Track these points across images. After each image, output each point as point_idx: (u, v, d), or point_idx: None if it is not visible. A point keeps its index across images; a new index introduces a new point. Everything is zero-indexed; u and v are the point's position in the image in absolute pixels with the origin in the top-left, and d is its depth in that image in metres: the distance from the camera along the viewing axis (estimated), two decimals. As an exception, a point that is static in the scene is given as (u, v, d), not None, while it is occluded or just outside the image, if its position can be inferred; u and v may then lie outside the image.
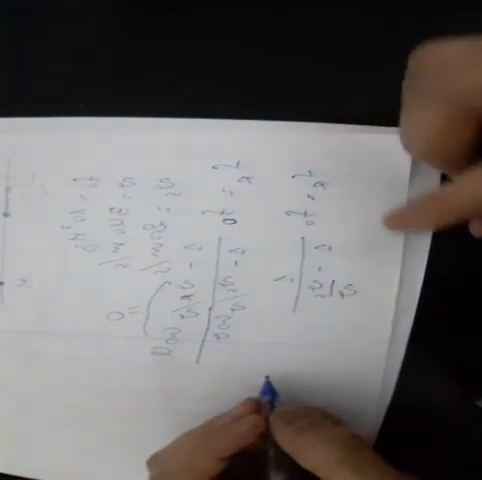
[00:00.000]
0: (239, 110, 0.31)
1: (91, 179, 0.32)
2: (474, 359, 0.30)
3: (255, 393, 0.29)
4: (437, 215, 0.25)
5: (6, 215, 0.32)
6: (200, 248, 0.30)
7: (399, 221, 0.28)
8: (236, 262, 0.30)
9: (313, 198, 0.30)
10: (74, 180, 0.32)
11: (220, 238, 0.30)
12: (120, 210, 0.31)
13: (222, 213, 0.31)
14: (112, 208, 0.31)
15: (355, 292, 0.30)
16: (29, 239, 0.32)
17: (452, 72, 0.21)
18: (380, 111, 0.29)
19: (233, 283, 0.30)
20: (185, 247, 0.31)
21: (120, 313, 0.31)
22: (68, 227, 0.31)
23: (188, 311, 0.31)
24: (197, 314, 0.31)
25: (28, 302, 0.32)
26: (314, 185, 0.30)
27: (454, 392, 0.30)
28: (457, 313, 0.30)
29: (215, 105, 0.32)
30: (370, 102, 0.31)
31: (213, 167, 0.31)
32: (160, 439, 0.31)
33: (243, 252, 0.30)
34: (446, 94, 0.21)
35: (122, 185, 0.31)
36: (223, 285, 0.30)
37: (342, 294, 0.30)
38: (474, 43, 0.21)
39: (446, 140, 0.23)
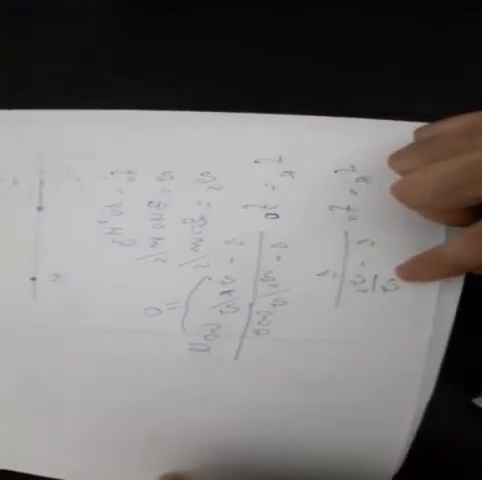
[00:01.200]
0: (239, 110, 0.31)
1: (129, 173, 0.31)
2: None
3: (295, 389, 0.29)
4: (439, 272, 0.27)
5: (40, 209, 0.31)
6: (241, 243, 0.30)
7: (408, 273, 0.29)
8: (278, 257, 0.30)
9: (356, 193, 0.30)
10: (111, 173, 0.31)
11: (262, 233, 0.30)
12: (159, 204, 0.31)
13: (264, 207, 0.30)
14: (150, 202, 0.31)
15: (397, 287, 0.29)
16: (63, 233, 0.31)
17: None
18: (380, 110, 0.30)
19: (274, 278, 0.30)
20: (226, 242, 0.30)
21: (157, 309, 0.30)
22: (104, 221, 0.31)
23: (228, 306, 0.30)
24: (237, 309, 0.30)
25: (62, 297, 0.31)
26: (356, 180, 0.30)
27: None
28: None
29: (215, 105, 0.31)
30: (370, 102, 0.31)
31: (255, 161, 0.30)
32: (194, 438, 0.30)
33: (286, 247, 0.30)
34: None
35: (161, 179, 0.31)
36: (264, 280, 0.30)
37: (385, 289, 0.29)
38: None
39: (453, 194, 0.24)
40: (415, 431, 0.30)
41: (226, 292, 0.30)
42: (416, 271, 0.29)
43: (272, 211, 0.30)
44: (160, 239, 0.30)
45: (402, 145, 0.30)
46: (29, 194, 0.31)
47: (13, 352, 0.31)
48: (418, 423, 0.30)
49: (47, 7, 0.35)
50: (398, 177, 0.29)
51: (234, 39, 0.33)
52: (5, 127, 0.32)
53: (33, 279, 0.31)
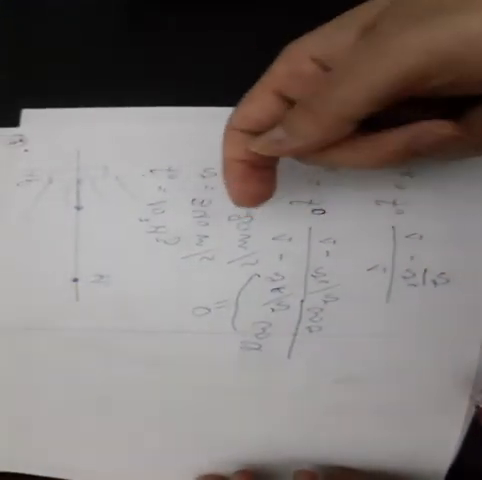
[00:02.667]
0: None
1: (169, 170, 0.30)
2: None
3: (347, 386, 0.29)
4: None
5: (78, 208, 0.30)
6: (290, 239, 0.30)
7: None
8: (327, 252, 0.30)
9: (401, 187, 0.30)
10: (151, 171, 0.30)
11: (310, 228, 0.30)
12: (202, 201, 0.30)
13: (310, 203, 0.30)
14: (194, 199, 0.30)
15: (448, 280, 0.29)
16: (104, 233, 0.30)
17: None
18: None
19: (325, 274, 0.29)
20: (274, 238, 0.30)
21: (206, 308, 0.29)
22: (147, 220, 0.30)
23: (279, 304, 0.29)
24: (288, 307, 0.29)
25: (105, 299, 0.30)
26: (401, 174, 0.30)
27: None
28: None
29: (216, 105, 0.31)
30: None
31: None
32: (247, 439, 0.29)
33: (334, 242, 0.30)
34: None
35: (203, 176, 0.30)
36: (315, 276, 0.29)
37: (435, 283, 0.29)
38: None
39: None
40: (466, 428, 0.30)
41: (276, 289, 0.29)
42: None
43: (318, 207, 0.30)
44: (206, 237, 0.30)
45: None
46: (66, 193, 0.30)
47: (59, 355, 0.30)
48: (470, 420, 0.30)
49: (46, 7, 0.35)
50: (442, 172, 0.29)
51: (235, 39, 0.33)
52: (38, 126, 0.31)
53: (75, 280, 0.30)
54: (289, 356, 0.29)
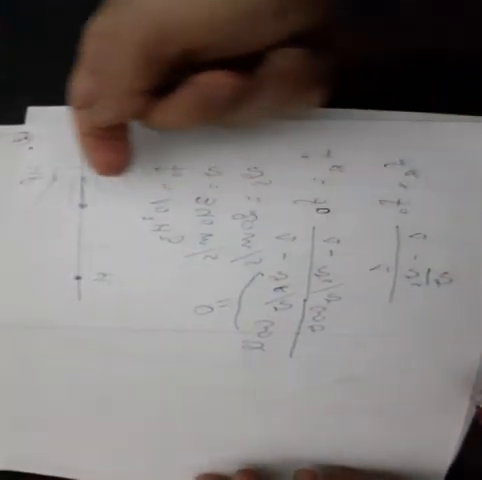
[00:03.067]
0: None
1: (174, 168, 0.30)
2: None
3: (349, 386, 0.29)
4: None
5: (82, 206, 0.30)
6: (294, 238, 0.30)
7: None
8: (331, 252, 0.29)
9: (405, 187, 0.30)
10: (155, 169, 0.30)
11: (314, 227, 0.30)
12: (207, 200, 0.30)
13: (315, 202, 0.30)
14: (198, 198, 0.30)
15: (451, 280, 0.29)
16: (108, 231, 0.30)
17: None
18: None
19: (328, 273, 0.29)
20: (278, 237, 0.30)
21: (209, 307, 0.29)
22: (150, 218, 0.30)
23: (282, 303, 0.29)
24: (291, 306, 0.29)
25: (108, 297, 0.30)
26: (406, 174, 0.30)
27: None
28: None
29: None
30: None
31: (303, 156, 0.30)
32: (248, 438, 0.30)
33: (338, 241, 0.30)
34: None
35: (208, 174, 0.30)
36: (318, 276, 0.29)
37: (438, 282, 0.29)
38: None
39: None
40: (466, 429, 0.30)
41: (279, 288, 0.29)
42: None
43: (322, 206, 0.30)
44: (209, 235, 0.30)
45: (451, 138, 0.30)
46: (70, 191, 0.30)
47: (60, 354, 0.30)
48: (470, 420, 0.30)
49: (47, 7, 0.34)
50: (447, 172, 0.29)
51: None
52: (44, 124, 0.31)
53: (77, 278, 0.29)
54: (291, 355, 0.29)
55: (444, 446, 0.30)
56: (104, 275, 0.29)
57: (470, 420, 0.30)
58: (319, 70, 0.23)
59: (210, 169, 0.30)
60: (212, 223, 0.30)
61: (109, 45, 0.21)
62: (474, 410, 0.30)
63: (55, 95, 0.30)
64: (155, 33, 0.20)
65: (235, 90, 0.22)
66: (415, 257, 0.29)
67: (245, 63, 0.22)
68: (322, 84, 0.24)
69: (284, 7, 0.20)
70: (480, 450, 0.30)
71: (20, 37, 0.33)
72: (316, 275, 0.29)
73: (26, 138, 0.31)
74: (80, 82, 0.24)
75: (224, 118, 0.24)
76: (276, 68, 0.22)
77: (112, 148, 0.26)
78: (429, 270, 0.29)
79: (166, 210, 0.30)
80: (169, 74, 0.22)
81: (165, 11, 0.20)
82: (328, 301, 0.29)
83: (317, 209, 0.30)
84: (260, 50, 0.22)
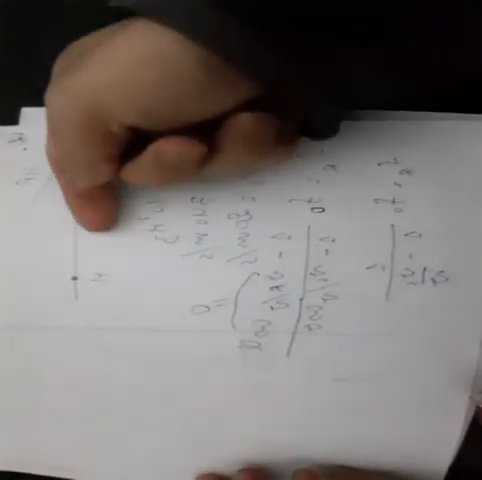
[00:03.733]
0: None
1: None
2: None
3: (347, 385, 0.29)
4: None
5: None
6: (289, 237, 0.30)
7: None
8: (326, 250, 0.29)
9: (400, 185, 0.30)
10: None
11: (309, 226, 0.30)
12: (202, 199, 0.30)
13: (309, 201, 0.30)
14: (193, 198, 0.30)
15: (447, 279, 0.29)
16: (104, 231, 0.30)
17: None
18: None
19: (324, 272, 0.29)
20: (273, 236, 0.30)
21: (205, 306, 0.29)
22: (146, 218, 0.30)
23: (278, 302, 0.29)
24: (287, 305, 0.29)
25: (104, 297, 0.30)
26: (400, 172, 0.30)
27: None
28: None
29: None
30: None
31: (297, 155, 0.30)
32: (246, 438, 0.29)
33: (333, 240, 0.30)
34: None
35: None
36: (314, 274, 0.29)
37: (434, 281, 0.29)
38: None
39: None
40: (467, 427, 0.30)
41: (275, 287, 0.29)
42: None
43: (317, 205, 0.30)
44: (204, 235, 0.30)
45: (444, 136, 0.30)
46: None
47: (58, 354, 0.30)
48: (470, 419, 0.30)
49: (47, 7, 0.35)
50: (442, 170, 0.29)
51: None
52: (38, 124, 0.31)
53: (74, 279, 0.29)
54: (288, 354, 0.29)
55: (444, 446, 0.30)
56: (100, 275, 0.29)
57: (469, 420, 0.30)
58: (283, 128, 0.24)
59: None
60: (207, 223, 0.30)
61: (59, 120, 0.22)
62: (473, 409, 0.30)
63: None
64: (92, 112, 0.21)
65: (189, 155, 0.22)
66: (410, 256, 0.29)
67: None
68: (289, 141, 0.25)
69: (213, 84, 0.21)
70: (480, 450, 0.30)
71: (15, 38, 0.33)
72: (312, 274, 0.29)
73: (21, 139, 0.31)
74: (49, 150, 0.25)
75: (192, 177, 0.24)
76: (232, 131, 0.23)
77: (98, 207, 0.28)
78: (425, 269, 0.29)
79: (161, 210, 0.30)
80: (132, 139, 0.23)
81: (98, 93, 0.21)
82: (324, 300, 0.29)
83: (312, 208, 0.30)
84: (218, 116, 0.22)
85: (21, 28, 0.34)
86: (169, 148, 0.22)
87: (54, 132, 0.24)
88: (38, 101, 0.31)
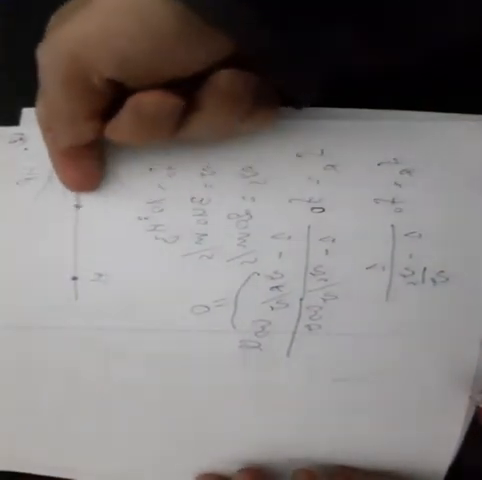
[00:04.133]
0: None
1: (169, 168, 0.30)
2: None
3: (347, 385, 0.29)
4: None
5: (78, 207, 0.30)
6: (289, 237, 0.30)
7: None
8: (326, 250, 0.29)
9: (400, 185, 0.30)
10: (150, 170, 0.30)
11: (309, 226, 0.30)
12: (202, 200, 0.30)
13: (309, 201, 0.30)
14: (193, 198, 0.30)
15: (447, 279, 0.29)
16: (104, 231, 0.30)
17: None
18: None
19: (324, 272, 0.29)
20: (273, 236, 0.30)
21: (205, 306, 0.29)
22: (146, 218, 0.30)
23: (278, 302, 0.29)
24: (287, 305, 0.29)
25: (104, 297, 0.30)
26: (400, 173, 0.30)
27: None
28: None
29: None
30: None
31: (297, 155, 0.30)
32: (246, 438, 0.30)
33: (333, 240, 0.30)
34: None
35: (202, 174, 0.30)
36: (314, 274, 0.29)
37: (434, 281, 0.29)
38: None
39: None
40: (467, 427, 0.30)
41: (276, 287, 0.29)
42: None
43: (317, 205, 0.30)
44: (205, 235, 0.30)
45: (445, 137, 0.30)
46: (66, 192, 0.30)
47: (58, 354, 0.30)
48: (470, 419, 0.30)
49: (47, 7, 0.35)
50: (442, 170, 0.29)
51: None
52: (37, 125, 0.31)
53: (74, 279, 0.29)
54: (288, 354, 0.29)
55: (444, 446, 0.30)
56: (100, 275, 0.29)
57: (469, 420, 0.30)
58: (262, 91, 0.24)
59: (204, 169, 0.30)
60: (207, 223, 0.30)
61: (46, 73, 0.23)
62: (473, 409, 0.30)
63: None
64: (74, 62, 0.22)
65: (167, 107, 0.23)
66: (411, 256, 0.29)
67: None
68: (268, 105, 0.25)
69: (189, 36, 0.21)
70: (480, 450, 0.30)
71: (16, 38, 0.33)
72: (312, 274, 0.29)
73: (21, 139, 0.31)
74: (38, 107, 0.25)
75: (173, 135, 0.25)
76: (210, 88, 0.23)
77: (81, 167, 0.28)
78: (425, 269, 0.29)
79: (161, 210, 0.30)
80: (114, 95, 0.23)
81: (79, 43, 0.21)
82: (324, 300, 0.29)
83: (312, 208, 0.30)
84: (199, 72, 0.23)
85: (21, 28, 0.34)
86: (146, 100, 0.23)
87: (43, 89, 0.24)
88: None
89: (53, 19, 0.24)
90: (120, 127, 0.24)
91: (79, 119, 0.24)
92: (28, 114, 0.31)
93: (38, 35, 0.33)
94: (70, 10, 0.22)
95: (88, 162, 0.28)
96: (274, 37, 0.21)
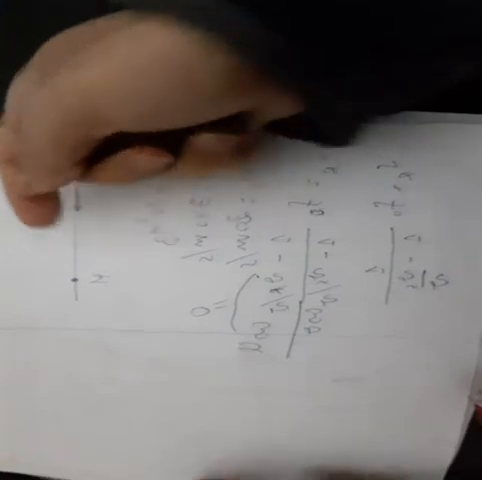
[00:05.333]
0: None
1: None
2: None
3: (346, 386, 0.29)
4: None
5: (77, 208, 0.30)
6: (289, 239, 0.30)
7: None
8: (326, 253, 0.30)
9: (399, 189, 0.30)
10: None
11: (309, 229, 0.30)
12: (201, 201, 0.30)
13: (309, 204, 0.30)
14: (193, 199, 0.30)
15: (447, 282, 0.29)
16: (103, 233, 0.30)
17: None
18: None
19: (324, 275, 0.29)
20: (273, 239, 0.30)
21: (205, 308, 0.29)
22: (145, 220, 0.30)
23: (278, 305, 0.29)
24: (287, 307, 0.29)
25: (104, 299, 0.30)
26: (400, 176, 0.30)
27: None
28: None
29: None
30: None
31: (297, 158, 0.30)
32: (246, 439, 0.30)
33: (333, 243, 0.30)
34: None
35: (202, 177, 0.30)
36: (313, 277, 0.29)
37: (434, 284, 0.29)
38: None
39: None
40: (466, 428, 0.30)
41: (275, 290, 0.29)
42: None
43: (317, 207, 0.30)
44: (204, 237, 0.30)
45: (444, 139, 0.30)
46: (66, 194, 0.30)
47: (57, 355, 0.30)
48: (468, 420, 0.30)
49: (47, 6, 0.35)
50: (442, 173, 0.29)
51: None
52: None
53: (74, 280, 0.29)
54: (288, 356, 0.29)
55: (443, 446, 0.30)
56: (100, 277, 0.29)
57: (469, 420, 0.30)
58: (242, 144, 0.23)
59: None
60: (207, 225, 0.30)
61: (36, 117, 0.19)
62: (472, 410, 0.30)
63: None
64: (80, 117, 0.18)
65: (159, 165, 0.22)
66: (410, 259, 0.29)
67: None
68: (245, 154, 0.24)
69: (230, 92, 0.19)
70: (480, 450, 0.30)
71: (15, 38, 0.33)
72: (311, 276, 0.29)
73: None
74: (2, 136, 0.22)
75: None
76: (193, 148, 0.22)
77: (44, 207, 0.25)
78: (424, 272, 0.29)
79: (161, 212, 0.30)
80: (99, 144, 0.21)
81: (93, 98, 0.18)
82: (324, 303, 0.29)
83: (311, 211, 0.30)
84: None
85: (21, 28, 0.34)
86: (140, 158, 0.21)
87: (23, 129, 0.20)
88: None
89: (45, 53, 0.20)
90: (105, 175, 0.22)
91: (65, 168, 0.21)
92: None
93: (38, 35, 0.33)
94: (71, 49, 0.19)
95: (52, 203, 0.25)
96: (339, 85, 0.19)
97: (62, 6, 0.32)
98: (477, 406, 0.29)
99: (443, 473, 0.30)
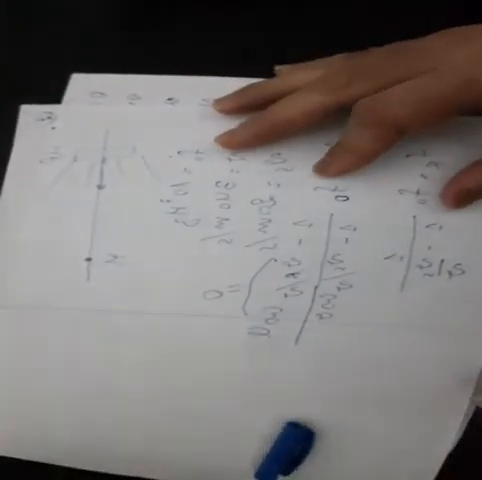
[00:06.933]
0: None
1: (197, 152, 0.30)
2: None
3: (355, 375, 0.29)
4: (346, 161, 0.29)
5: (100, 187, 0.30)
6: (310, 224, 0.30)
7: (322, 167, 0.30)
8: (346, 239, 0.30)
9: (426, 177, 0.30)
10: (178, 153, 0.30)
11: (332, 214, 0.30)
12: (227, 184, 0.30)
13: (335, 190, 0.30)
14: (218, 182, 0.30)
15: (463, 272, 0.30)
16: (123, 212, 0.30)
17: None
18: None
19: (342, 261, 0.30)
20: (295, 223, 0.30)
21: (219, 291, 0.30)
22: (168, 200, 0.30)
23: (292, 289, 0.30)
24: (301, 293, 0.30)
25: (117, 279, 0.30)
26: (427, 165, 0.30)
27: None
28: None
29: None
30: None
31: (326, 144, 0.30)
32: (252, 423, 0.30)
33: (354, 229, 0.30)
34: None
35: (230, 159, 0.30)
36: (331, 263, 0.30)
37: (450, 273, 0.30)
38: None
39: None
40: (464, 427, 0.30)
41: (291, 274, 0.30)
42: (327, 163, 0.30)
43: (342, 193, 0.30)
44: (226, 219, 0.30)
45: (474, 131, 0.30)
46: (89, 172, 0.30)
47: (65, 335, 0.30)
48: (468, 420, 0.30)
49: (47, 6, 0.35)
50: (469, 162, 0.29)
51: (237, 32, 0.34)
52: (73, 100, 0.31)
53: (88, 260, 0.30)
54: (296, 343, 0.30)
55: (443, 446, 0.30)
56: (115, 257, 0.30)
57: (468, 420, 0.30)
58: None
59: (233, 154, 0.30)
60: (230, 207, 0.30)
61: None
62: (473, 409, 0.30)
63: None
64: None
65: None
66: (429, 247, 0.30)
67: None
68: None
69: None
70: (479, 450, 0.31)
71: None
72: (329, 262, 0.30)
73: (49, 118, 0.31)
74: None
75: None
76: None
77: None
78: (442, 261, 0.29)
79: (185, 193, 0.30)
80: None
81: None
82: (339, 289, 0.30)
83: (336, 196, 0.30)
84: None
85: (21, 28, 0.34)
86: None
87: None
88: (39, 99, 0.31)
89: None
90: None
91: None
92: (77, 79, 0.32)
93: (38, 35, 0.33)
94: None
95: None
96: None
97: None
98: (478, 407, 0.30)
99: (436, 470, 0.30)
